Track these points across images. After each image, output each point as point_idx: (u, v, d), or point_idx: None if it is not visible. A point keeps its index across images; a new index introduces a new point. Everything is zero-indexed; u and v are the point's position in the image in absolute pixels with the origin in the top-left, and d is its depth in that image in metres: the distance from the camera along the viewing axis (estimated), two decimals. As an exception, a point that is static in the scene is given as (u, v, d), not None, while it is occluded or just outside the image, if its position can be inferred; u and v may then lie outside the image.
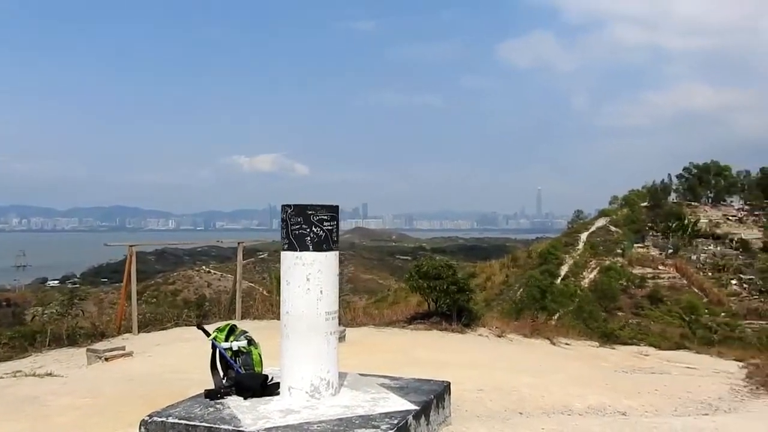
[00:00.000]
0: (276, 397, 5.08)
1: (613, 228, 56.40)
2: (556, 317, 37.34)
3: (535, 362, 10.00)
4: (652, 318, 42.86)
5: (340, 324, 11.94)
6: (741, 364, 12.73)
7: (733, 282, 48.80)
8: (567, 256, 51.85)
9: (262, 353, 5.56)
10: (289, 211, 5.06)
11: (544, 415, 6.30)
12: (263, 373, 5.41)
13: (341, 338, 10.30)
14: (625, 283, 47.01)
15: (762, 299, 41.95)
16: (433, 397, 5.28)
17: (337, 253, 5.22)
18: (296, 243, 5.02)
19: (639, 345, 21.18)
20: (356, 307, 14.72)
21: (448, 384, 5.72)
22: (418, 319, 13.07)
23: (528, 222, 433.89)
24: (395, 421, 4.54)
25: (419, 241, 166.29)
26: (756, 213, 57.82)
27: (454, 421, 5.62)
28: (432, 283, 12.81)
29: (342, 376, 5.65)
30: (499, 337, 12.31)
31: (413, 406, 4.93)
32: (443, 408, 5.51)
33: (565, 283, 46.95)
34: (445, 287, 12.72)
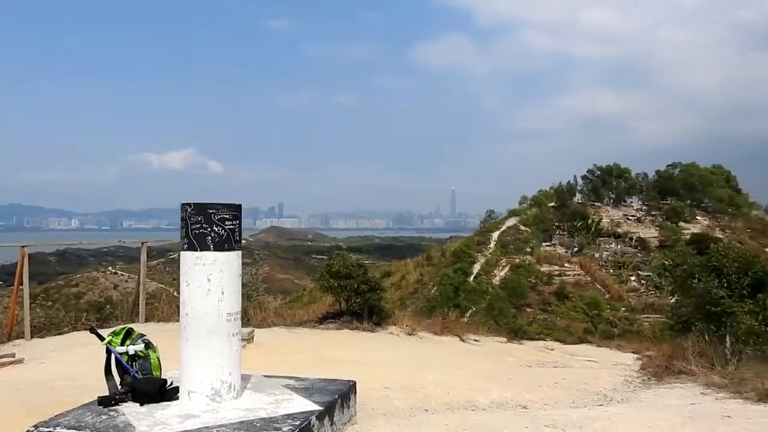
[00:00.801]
0: (175, 402, 4.91)
1: (522, 227, 58.39)
2: (468, 314, 38.25)
3: (443, 359, 10.17)
4: (559, 314, 44.70)
5: (249, 325, 11.77)
6: (636, 356, 13.47)
7: (632, 278, 51.68)
8: (479, 254, 53.21)
9: (161, 357, 5.36)
10: (188, 210, 4.89)
11: (449, 410, 6.40)
12: (162, 377, 5.22)
13: (249, 339, 10.10)
14: (533, 281, 48.77)
15: (658, 294, 44.53)
16: (338, 397, 5.25)
17: (239, 253, 5.09)
18: (196, 243, 4.85)
19: (545, 340, 22.06)
20: (268, 307, 14.47)
21: (354, 383, 5.70)
22: (329, 318, 13.02)
23: (443, 221, 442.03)
24: (297, 423, 4.48)
25: (336, 241, 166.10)
26: (653, 213, 61.47)
27: (359, 420, 5.61)
28: (343, 282, 12.79)
29: (246, 378, 5.53)
30: (410, 335, 12.44)
31: (317, 407, 4.89)
32: (348, 407, 5.49)
33: (478, 281, 48.15)
34: (356, 286, 12.73)
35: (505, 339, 16.95)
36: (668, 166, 67.01)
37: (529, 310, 45.21)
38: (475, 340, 14.46)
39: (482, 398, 7.04)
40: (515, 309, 43.72)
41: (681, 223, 58.14)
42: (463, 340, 13.69)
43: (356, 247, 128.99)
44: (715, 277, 9.54)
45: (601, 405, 7.18)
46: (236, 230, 5.03)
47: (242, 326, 10.98)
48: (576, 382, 8.80)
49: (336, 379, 5.81)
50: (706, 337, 10.14)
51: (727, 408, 6.76)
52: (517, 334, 21.77)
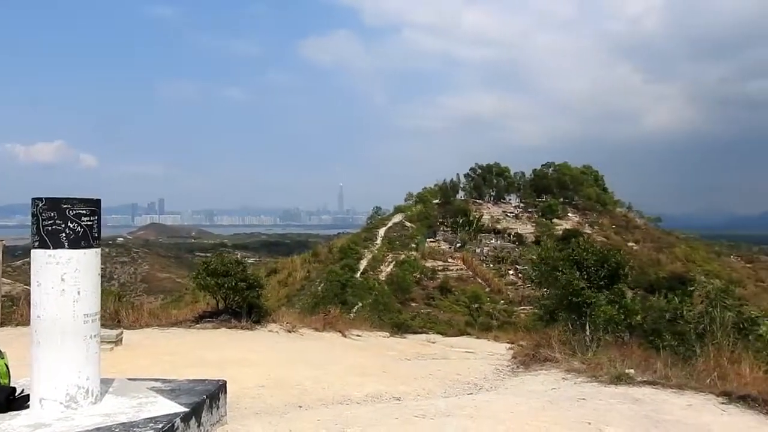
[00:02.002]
0: (25, 412, 4.58)
1: (408, 223, 59.62)
2: (355, 310, 38.58)
3: (321, 355, 10.20)
4: (442, 308, 46.16)
5: (120, 327, 11.20)
6: (509, 345, 14.16)
7: (511, 272, 54.30)
8: (366, 250, 53.78)
9: (13, 363, 5.00)
10: (40, 205, 4.57)
11: (323, 406, 6.43)
12: (11, 385, 4.86)
13: (117, 342, 9.63)
14: (418, 276, 49.99)
15: (533, 287, 46.99)
16: (206, 398, 5.12)
17: (98, 250, 4.83)
18: (49, 240, 4.55)
19: (428, 333, 22.68)
20: (141, 307, 13.83)
21: (224, 383, 5.58)
22: (206, 318, 12.65)
23: (330, 218, 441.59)
24: (160, 426, 4.32)
25: (220, 238, 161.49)
26: (530, 210, 64.87)
27: (230, 420, 5.51)
28: (221, 280, 12.47)
29: (107, 382, 5.26)
30: (290, 332, 12.37)
31: (183, 409, 4.74)
32: (218, 408, 5.36)
33: (364, 277, 48.67)
34: (234, 284, 12.45)
35: (388, 334, 17.26)
36: (543, 165, 70.96)
37: (414, 304, 46.31)
38: (358, 336, 14.61)
39: (357, 392, 7.12)
40: (400, 304, 44.66)
41: (554, 220, 61.77)
42: (345, 336, 13.79)
43: (242, 244, 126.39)
44: (576, 269, 10.21)
45: (471, 394, 7.49)
46: (94, 227, 4.77)
47: (111, 328, 10.48)
48: (450, 373, 9.11)
49: (205, 380, 5.66)
50: (569, 326, 10.84)
51: (583, 391, 7.26)
52: (400, 328, 22.23)
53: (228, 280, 12.45)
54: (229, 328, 12.07)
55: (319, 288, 46.62)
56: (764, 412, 6.29)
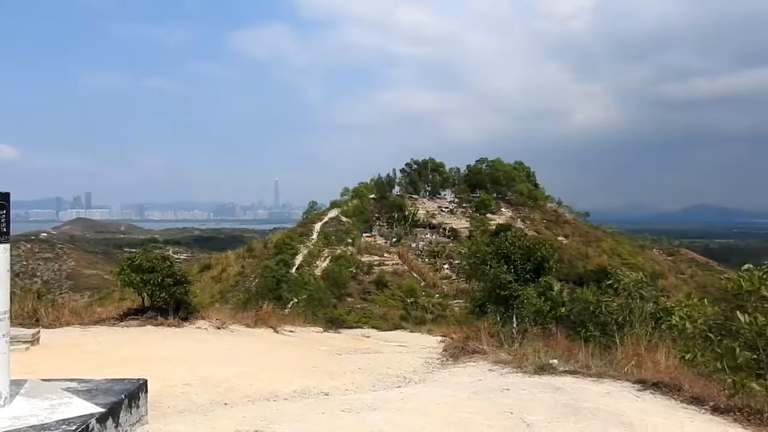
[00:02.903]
0: (-76, 417, 4.32)
1: (344, 218, 59.60)
2: (290, 306, 38.28)
3: (251, 352, 10.07)
4: (378, 302, 46.36)
5: (38, 325, 10.72)
6: (440, 339, 14.36)
7: (446, 266, 55.05)
8: (302, 245, 53.46)
9: None
10: (-59, 199, 4.32)
11: (250, 403, 6.34)
12: None
13: (33, 342, 9.20)
14: (354, 271, 50.04)
15: (464, 281, 47.82)
16: (125, 397, 4.96)
17: (7, 246, 4.59)
18: (-49, 235, 4.30)
19: (363, 328, 22.72)
20: (62, 305, 13.27)
21: (145, 381, 5.42)
22: (131, 315, 12.25)
23: (266, 213, 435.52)
24: (73, 428, 4.15)
25: (151, 233, 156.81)
26: (464, 205, 65.94)
27: (152, 420, 5.36)
28: (146, 276, 12.09)
29: (19, 383, 5.02)
30: (219, 329, 12.14)
31: (99, 409, 4.57)
32: (137, 407, 5.21)
33: (300, 272, 48.36)
34: (160, 280, 12.09)
35: (321, 329, 17.20)
36: (477, 161, 72.32)
37: (350, 299, 46.35)
38: (290, 332, 14.49)
39: (285, 388, 7.06)
40: (336, 299, 44.59)
41: (488, 215, 63.03)
42: (277, 332, 13.66)
43: (174, 240, 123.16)
44: (504, 263, 10.46)
45: (399, 387, 7.55)
46: (2, 221, 4.53)
47: (28, 327, 10.02)
48: (380, 366, 9.16)
49: (124, 379, 5.49)
50: (498, 318, 11.10)
51: (507, 382, 7.45)
52: (334, 323, 22.20)
53: (154, 276, 12.07)
54: (155, 325, 11.72)
55: (254, 284, 46.00)
56: (675, 397, 6.62)
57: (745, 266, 6.39)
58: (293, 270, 48.46)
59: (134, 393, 5.18)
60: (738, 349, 6.19)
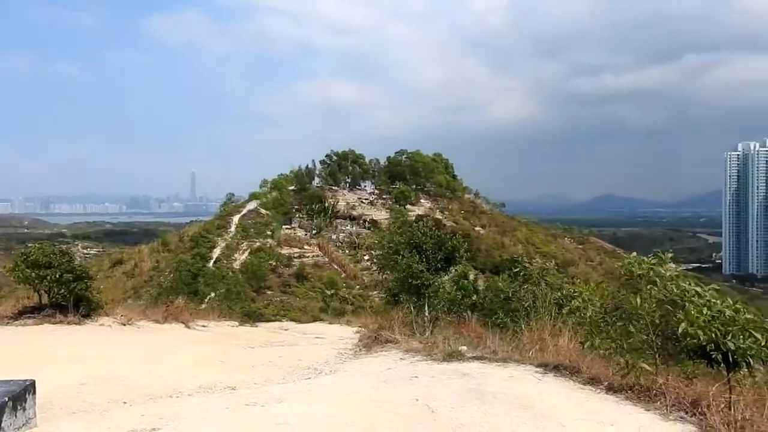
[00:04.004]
0: None
1: (263, 210, 58.67)
2: (207, 300, 37.41)
3: (157, 348, 9.73)
4: (298, 294, 46.00)
5: None
6: (357, 329, 14.40)
7: (366, 258, 55.19)
8: (219, 239, 52.26)
9: None
10: None
11: (151, 400, 6.12)
12: None
13: None
14: (274, 264, 49.39)
15: (377, 272, 48.18)
16: (8, 400, 4.68)
17: None
18: None
19: (281, 321, 22.50)
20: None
21: (32, 382, 5.12)
22: (27, 313, 11.55)
23: (182, 205, 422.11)
24: (-56, 436, 3.87)
25: (58, 227, 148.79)
26: (384, 197, 66.32)
27: (41, 422, 5.08)
28: (42, 272, 11.40)
29: None
30: (125, 325, 11.67)
31: (-24, 414, 4.28)
32: (24, 410, 4.92)
33: (217, 266, 47.30)
34: (58, 276, 11.43)
35: (237, 323, 16.90)
36: (397, 153, 72.86)
37: (269, 292, 45.76)
38: (203, 326, 14.15)
39: (190, 384, 6.87)
40: (255, 292, 43.93)
41: (408, 206, 63.68)
42: (189, 327, 13.29)
43: (83, 234, 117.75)
44: (416, 253, 10.57)
45: (309, 378, 7.50)
46: None
47: None
48: (292, 359, 9.08)
49: (10, 380, 5.16)
50: (411, 308, 11.22)
51: (416, 369, 7.55)
52: (252, 317, 21.88)
53: (51, 272, 11.39)
54: (53, 323, 11.09)
55: (169, 278, 44.63)
56: (574, 378, 6.90)
57: (633, 254, 6.74)
58: (210, 264, 47.34)
59: (19, 395, 4.90)
60: (631, 331, 6.50)
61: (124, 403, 6.03)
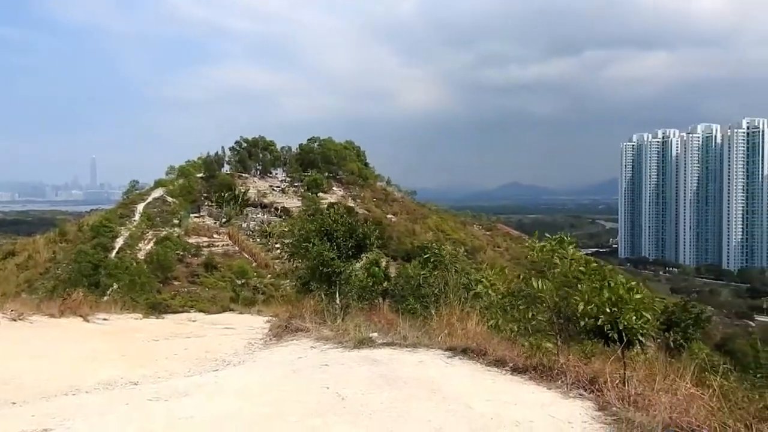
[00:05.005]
0: None
1: (170, 198, 56.64)
2: (109, 292, 35.77)
3: (52, 344, 9.17)
4: (207, 284, 44.84)
5: None
6: (267, 319, 14.19)
7: (278, 246, 54.49)
8: (123, 228, 50.05)
9: None
10: None
11: (44, 400, 5.76)
12: None
13: None
14: (181, 253, 47.86)
15: (287, 260, 47.76)
16: None
17: None
18: None
19: (189, 312, 21.84)
20: None
21: None
22: None
23: (81, 193, 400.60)
24: None
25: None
26: (296, 184, 65.64)
27: None
28: None
29: None
30: (16, 321, 10.92)
31: None
32: None
33: (120, 256, 45.29)
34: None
35: (141, 315, 16.26)
36: (309, 140, 72.18)
37: (176, 283, 44.34)
38: (104, 320, 13.51)
39: (88, 380, 6.51)
40: (161, 283, 42.44)
41: (320, 194, 63.33)
42: (88, 321, 12.64)
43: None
44: (327, 241, 10.51)
45: (216, 370, 7.31)
46: None
47: None
48: (198, 351, 8.82)
49: None
50: (323, 295, 11.16)
51: (327, 357, 7.51)
52: (157, 308, 21.10)
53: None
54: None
55: (66, 270, 42.34)
56: (481, 361, 7.08)
57: (533, 239, 7.02)
58: (113, 254, 45.26)
59: None
60: (532, 313, 6.75)
61: (13, 403, 5.63)
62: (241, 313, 20.99)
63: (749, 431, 4.45)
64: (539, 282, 6.55)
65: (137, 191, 60.53)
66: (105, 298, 28.99)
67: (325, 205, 57.69)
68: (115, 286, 39.04)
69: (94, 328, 12.01)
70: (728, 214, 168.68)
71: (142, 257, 46.22)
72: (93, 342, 9.54)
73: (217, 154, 65.68)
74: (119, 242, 47.68)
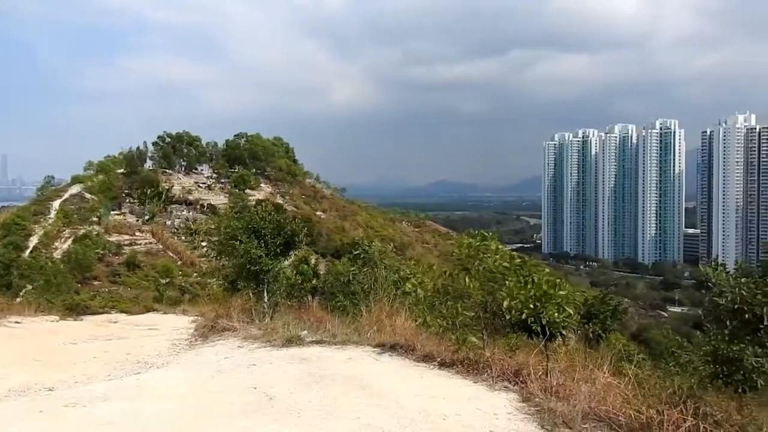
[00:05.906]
0: None
1: (88, 195, 54.29)
2: (22, 294, 34.00)
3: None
4: (129, 284, 43.28)
5: None
6: (193, 319, 13.86)
7: (204, 244, 53.19)
8: (37, 226, 47.65)
9: None
10: None
11: (-54, 410, 5.40)
12: None
13: None
14: (101, 252, 46.03)
15: (214, 258, 46.84)
16: None
17: None
18: None
19: (110, 313, 21.03)
20: None
21: None
22: None
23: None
24: None
25: None
26: (222, 181, 64.27)
27: None
28: None
29: None
30: None
31: None
32: None
33: (34, 255, 43.13)
34: None
35: (58, 317, 15.59)
36: (236, 136, 70.84)
37: (96, 283, 42.62)
38: (16, 323, 12.86)
39: (-1, 387, 6.17)
40: (80, 283, 40.70)
41: (247, 191, 62.28)
42: (-1, 324, 12.00)
43: None
44: (255, 238, 10.33)
45: (139, 373, 7.07)
46: None
47: None
48: (119, 353, 8.51)
49: None
50: (251, 294, 10.97)
51: (254, 357, 7.40)
52: (75, 310, 20.21)
53: None
54: None
55: (-26, 271, 39.93)
56: (409, 356, 7.15)
57: (461, 235, 7.16)
58: (26, 253, 43.04)
59: None
60: (458, 309, 6.87)
61: None
62: (165, 313, 20.41)
63: (660, 416, 4.69)
64: (466, 279, 6.68)
65: (53, 187, 57.71)
66: (18, 300, 27.55)
67: (253, 202, 56.82)
68: (29, 287, 37.14)
69: (5, 331, 11.41)
70: (643, 211, 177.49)
71: (59, 256, 44.15)
72: (4, 346, 9.05)
73: (138, 149, 63.33)
74: (33, 240, 45.39)
